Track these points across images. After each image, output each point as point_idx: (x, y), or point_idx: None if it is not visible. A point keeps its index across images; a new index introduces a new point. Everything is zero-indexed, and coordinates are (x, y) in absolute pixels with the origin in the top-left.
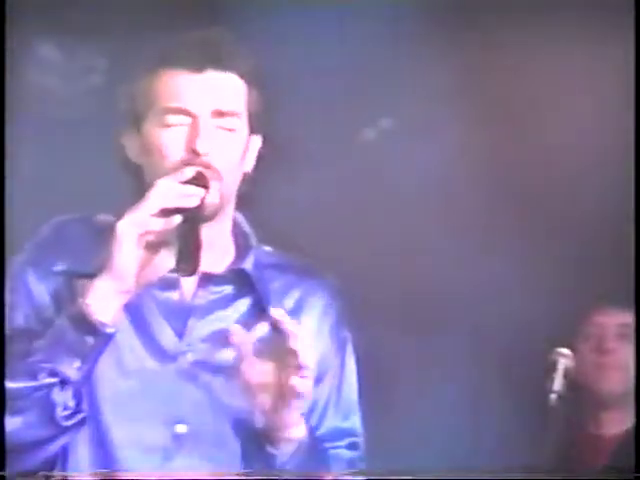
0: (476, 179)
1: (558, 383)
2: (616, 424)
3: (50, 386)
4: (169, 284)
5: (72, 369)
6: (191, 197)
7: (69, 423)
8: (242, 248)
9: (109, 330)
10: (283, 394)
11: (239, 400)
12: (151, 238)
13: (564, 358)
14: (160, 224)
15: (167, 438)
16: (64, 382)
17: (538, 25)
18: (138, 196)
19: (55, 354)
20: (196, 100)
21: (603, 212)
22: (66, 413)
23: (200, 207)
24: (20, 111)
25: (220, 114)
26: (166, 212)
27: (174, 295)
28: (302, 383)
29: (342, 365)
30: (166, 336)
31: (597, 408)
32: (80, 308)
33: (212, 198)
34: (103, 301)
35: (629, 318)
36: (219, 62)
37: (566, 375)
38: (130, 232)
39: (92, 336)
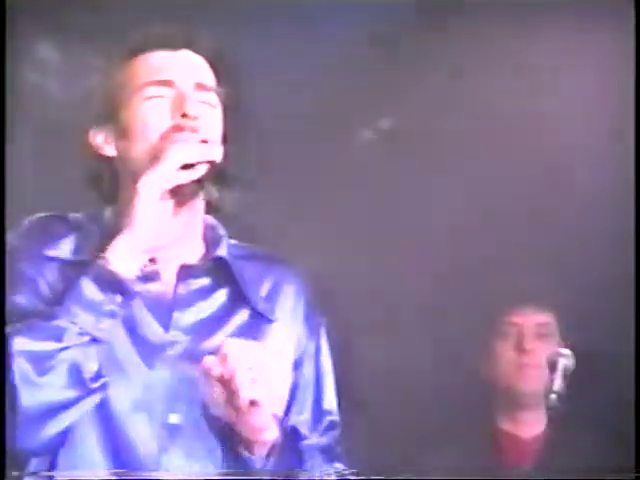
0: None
1: (558, 383)
2: (534, 424)
3: (77, 346)
4: (149, 276)
5: (100, 329)
6: (213, 151)
7: (95, 385)
8: (211, 239)
9: (135, 287)
10: (238, 406)
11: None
12: (172, 196)
13: (564, 358)
14: (183, 178)
15: (160, 429)
16: (93, 341)
17: (539, 25)
18: (111, 192)
19: (81, 314)
20: (179, 72)
21: (521, 213)
22: (92, 375)
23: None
24: (19, 112)
25: (202, 87)
26: (188, 167)
27: (155, 287)
28: (252, 392)
29: (318, 349)
30: (152, 328)
31: (515, 408)
32: (103, 267)
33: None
34: (125, 259)
35: (546, 318)
36: (194, 46)
37: (565, 375)
38: (152, 189)
39: (119, 294)
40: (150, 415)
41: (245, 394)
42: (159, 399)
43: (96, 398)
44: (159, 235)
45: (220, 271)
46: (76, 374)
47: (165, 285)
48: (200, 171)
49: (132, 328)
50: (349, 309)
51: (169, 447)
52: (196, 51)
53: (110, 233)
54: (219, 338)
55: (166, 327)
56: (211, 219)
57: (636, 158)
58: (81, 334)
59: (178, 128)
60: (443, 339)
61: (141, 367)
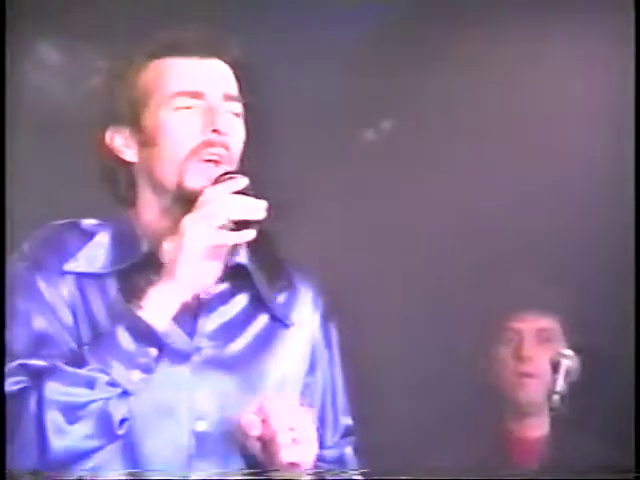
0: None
1: (560, 384)
2: (538, 427)
3: (108, 399)
4: None
5: (132, 381)
6: (256, 210)
7: (121, 431)
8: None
9: (169, 342)
10: (277, 465)
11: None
12: (216, 250)
13: (567, 359)
14: (230, 239)
15: (189, 436)
16: (124, 394)
17: (539, 26)
18: (127, 195)
19: (113, 364)
20: (209, 83)
21: (523, 217)
22: (119, 422)
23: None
24: (20, 113)
25: (229, 98)
26: (237, 224)
27: None
28: (293, 455)
29: (331, 355)
30: (177, 337)
31: (518, 413)
32: (139, 318)
33: None
34: (161, 309)
35: (549, 323)
36: (217, 52)
37: (568, 376)
38: (197, 245)
39: (154, 347)
40: (177, 423)
41: (286, 457)
42: (186, 407)
43: (121, 441)
44: (199, 285)
45: (240, 277)
46: (104, 424)
47: None
48: (248, 236)
49: None
50: (345, 310)
51: (197, 455)
52: (223, 59)
53: (126, 242)
54: (241, 342)
55: (191, 335)
56: None
57: (636, 160)
58: (112, 385)
59: (209, 144)
60: (446, 343)
61: (167, 376)
